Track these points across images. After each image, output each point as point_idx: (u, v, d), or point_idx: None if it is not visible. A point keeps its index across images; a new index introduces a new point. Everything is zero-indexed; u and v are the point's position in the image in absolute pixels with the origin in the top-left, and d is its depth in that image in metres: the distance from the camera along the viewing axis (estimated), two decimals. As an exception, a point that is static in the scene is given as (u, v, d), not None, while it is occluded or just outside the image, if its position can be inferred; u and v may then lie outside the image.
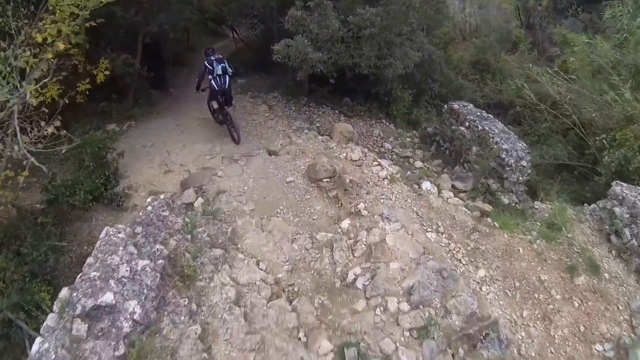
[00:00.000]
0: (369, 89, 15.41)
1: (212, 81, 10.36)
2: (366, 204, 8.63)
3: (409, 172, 10.65)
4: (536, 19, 25.99)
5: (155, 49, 16.17)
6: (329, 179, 9.25)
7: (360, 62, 12.23)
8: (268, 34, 16.56)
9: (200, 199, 9.25)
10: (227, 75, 10.27)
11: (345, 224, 8.30)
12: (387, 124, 15.12)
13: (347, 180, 8.96)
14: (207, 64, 10.35)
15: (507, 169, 11.59)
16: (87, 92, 12.33)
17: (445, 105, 13.94)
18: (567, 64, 17.08)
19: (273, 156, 10.52)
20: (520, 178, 11.97)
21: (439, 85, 17.34)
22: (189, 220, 7.83)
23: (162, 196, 8.44)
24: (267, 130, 12.24)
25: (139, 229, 7.32)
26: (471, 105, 13.72)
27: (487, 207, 10.04)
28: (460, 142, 12.89)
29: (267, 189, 9.40)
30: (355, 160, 10.14)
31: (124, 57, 13.34)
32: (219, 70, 10.19)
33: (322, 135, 12.46)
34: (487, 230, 8.78)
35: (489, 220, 9.25)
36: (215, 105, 11.22)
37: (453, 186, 11.67)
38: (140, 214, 8.01)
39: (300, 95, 15.55)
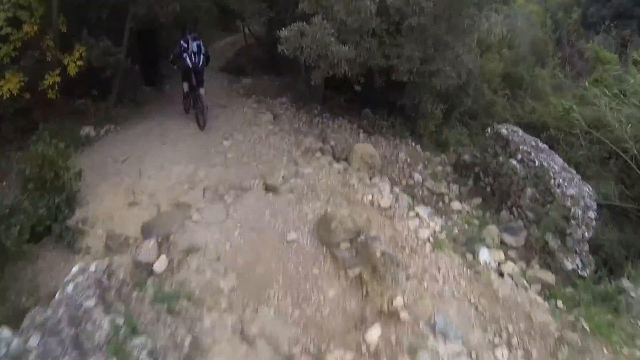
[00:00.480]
0: (394, 100, 11.76)
1: (187, 58, 9.03)
2: (406, 298, 5.05)
3: (455, 230, 7.02)
4: (565, 32, 22.29)
5: (151, 39, 12.53)
6: (349, 244, 5.71)
7: (399, 64, 8.59)
8: (278, 24, 12.80)
9: (163, 258, 5.82)
10: (201, 55, 9.08)
11: (374, 335, 4.71)
12: (413, 144, 11.50)
13: (378, 253, 5.36)
14: (182, 42, 9.10)
15: (572, 222, 8.01)
16: (61, 87, 9.29)
17: (489, 129, 10.27)
18: (598, 83, 14.14)
19: (272, 193, 6.99)
20: (586, 234, 8.37)
21: (472, 100, 13.64)
22: (122, 324, 4.31)
23: (92, 267, 4.93)
24: (269, 150, 8.67)
25: (34, 341, 3.90)
26: (521, 131, 10.07)
27: (550, 279, 6.76)
28: (509, 179, 9.23)
29: (258, 252, 5.89)
30: (385, 209, 6.61)
31: (104, 45, 9.73)
32: (194, 47, 9.01)
33: (338, 160, 8.95)
34: (580, 343, 5.25)
35: (572, 317, 5.74)
36: (186, 87, 9.70)
37: (501, 241, 8.21)
38: (57, 296, 4.55)
39: (313, 103, 11.98)
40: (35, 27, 8.92)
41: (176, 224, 6.44)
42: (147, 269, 5.98)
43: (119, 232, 7.11)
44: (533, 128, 15.25)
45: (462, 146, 12.58)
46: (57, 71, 9.20)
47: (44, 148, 7.52)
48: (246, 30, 17.67)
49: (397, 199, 6.97)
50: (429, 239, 6.20)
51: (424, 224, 6.50)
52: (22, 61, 9.18)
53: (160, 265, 5.87)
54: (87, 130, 9.99)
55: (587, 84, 14.14)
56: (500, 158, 9.50)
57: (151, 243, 6.14)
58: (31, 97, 9.26)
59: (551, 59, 19.30)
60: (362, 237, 5.60)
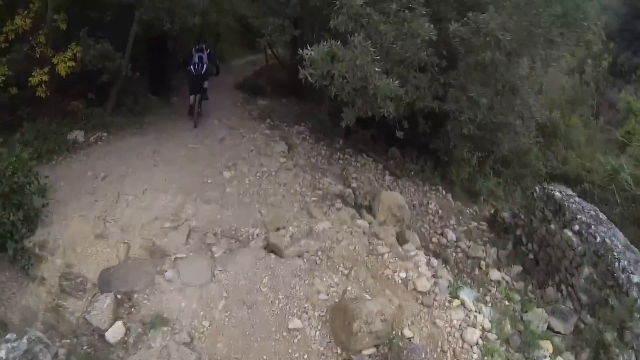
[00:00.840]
0: (426, 141, 10.16)
1: (191, 67, 9.27)
2: None
3: (507, 326, 5.20)
4: (594, 80, 20.83)
5: (161, 47, 11.11)
6: (374, 350, 3.96)
7: (458, 110, 6.93)
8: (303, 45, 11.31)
9: (119, 326, 4.20)
10: (204, 65, 9.24)
11: None
12: (444, 193, 9.85)
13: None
14: (192, 52, 9.36)
15: (636, 315, 6.32)
16: (53, 86, 8.26)
17: (537, 189, 8.63)
18: (631, 135, 13.02)
19: (274, 256, 5.24)
20: (645, 326, 6.70)
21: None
22: None
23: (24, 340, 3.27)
24: (278, 189, 7.00)
25: None
26: (576, 196, 8.39)
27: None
28: (560, 252, 7.54)
29: (248, 338, 4.17)
30: (422, 293, 4.86)
31: (101, 48, 8.33)
32: (196, 58, 9.23)
33: (360, 208, 7.29)
34: None
35: None
36: (191, 100, 9.64)
37: (549, 326, 6.53)
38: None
39: (334, 135, 10.39)
40: (28, 20, 7.66)
41: (144, 280, 4.78)
42: (97, 334, 4.33)
43: (76, 271, 5.68)
44: (566, 180, 13.63)
45: (496, 199, 10.93)
46: (46, 69, 7.93)
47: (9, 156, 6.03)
48: (268, 50, 16.39)
49: (435, 278, 5.21)
50: (477, 343, 4.44)
51: (470, 317, 4.76)
52: (9, 54, 8.00)
53: (114, 334, 4.25)
54: (76, 135, 8.53)
55: (618, 135, 13.22)
56: (552, 226, 7.82)
57: (107, 301, 4.52)
58: (18, 92, 8.13)
59: (583, 107, 17.77)
60: (393, 340, 3.83)
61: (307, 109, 11.80)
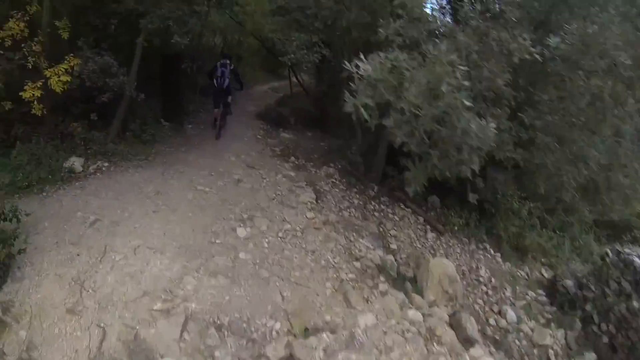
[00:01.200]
0: (474, 190, 8.66)
1: (214, 80, 9.07)
2: None
3: None
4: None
5: (174, 66, 9.81)
6: None
7: (554, 165, 5.35)
8: (333, 70, 9.96)
9: None
10: (225, 78, 8.98)
11: None
12: (492, 251, 8.24)
13: None
14: (217, 65, 9.16)
15: None
16: (51, 103, 7.16)
17: (609, 251, 7.07)
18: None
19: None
20: None
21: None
22: None
23: None
24: (305, 258, 5.44)
25: None
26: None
27: None
28: (646, 337, 5.95)
29: None
30: None
31: (102, 61, 7.06)
32: (219, 72, 9.01)
33: (404, 280, 5.78)
34: None
35: None
36: (214, 113, 9.46)
37: None
38: None
39: (368, 180, 8.94)
40: (22, 24, 6.43)
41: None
42: None
43: (36, 358, 4.07)
44: (613, 227, 11.87)
45: (546, 254, 9.20)
46: (39, 83, 6.63)
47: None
48: (292, 77, 15.17)
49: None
50: None
51: None
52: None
53: None
54: (73, 162, 7.29)
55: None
56: (635, 303, 6.19)
57: None
58: (13, 108, 6.95)
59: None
60: None
61: (335, 145, 10.40)
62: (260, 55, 17.21)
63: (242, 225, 5.81)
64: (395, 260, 6.40)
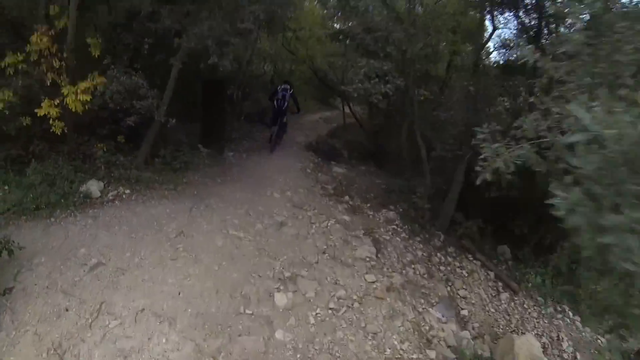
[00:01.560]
0: (552, 240, 6.95)
1: (275, 102, 9.36)
2: None
3: None
4: None
5: (217, 91, 8.82)
6: None
7: None
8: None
9: None
10: (285, 101, 9.30)
11: None
12: (570, 315, 6.37)
13: None
14: (277, 89, 9.54)
15: None
16: (69, 121, 6.30)
17: None
18: None
19: None
20: None
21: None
22: None
23: None
24: (364, 343, 3.82)
25: None
26: None
27: None
28: None
29: None
30: None
31: (129, 82, 5.99)
32: (279, 95, 9.31)
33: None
34: None
35: None
36: (271, 130, 9.63)
37: None
38: None
39: (433, 228, 7.30)
40: (45, 39, 5.58)
41: None
42: None
43: None
44: None
45: (620, 315, 7.06)
46: (56, 101, 5.66)
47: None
48: (346, 108, 13.91)
49: None
50: None
51: None
52: (18, 77, 5.98)
53: None
54: (90, 186, 6.25)
55: None
56: None
57: None
58: (32, 124, 6.17)
59: None
60: None
61: (394, 184, 8.82)
62: (312, 84, 16.12)
63: (281, 288, 4.28)
64: (469, 332, 4.68)
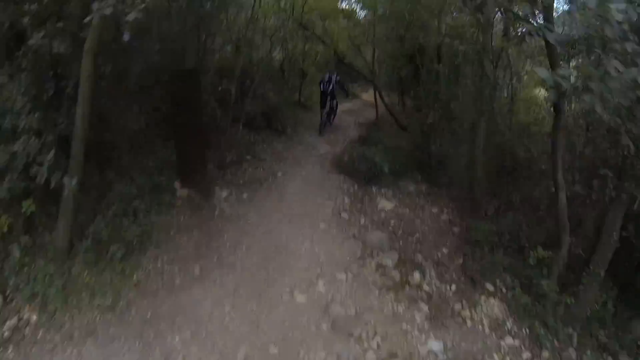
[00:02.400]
0: None
1: (321, 85, 9.63)
2: None
3: None
4: None
5: (192, 89, 5.52)
6: None
7: None
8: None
9: None
10: (331, 83, 9.47)
11: None
12: None
13: None
14: (322, 76, 9.92)
15: None
16: None
17: None
18: None
19: None
20: None
21: None
22: None
23: None
24: None
25: None
26: None
27: None
28: None
29: None
30: None
31: None
32: (326, 78, 9.56)
33: None
34: None
35: None
36: (321, 114, 9.68)
37: None
38: None
39: (562, 325, 4.14)
40: None
41: None
42: None
43: None
44: None
45: None
46: None
47: None
48: (378, 97, 10.65)
49: None
50: None
51: None
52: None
53: None
54: None
55: None
56: None
57: None
58: None
59: None
60: None
61: (471, 226, 5.63)
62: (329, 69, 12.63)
63: None
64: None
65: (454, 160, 7.45)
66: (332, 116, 9.96)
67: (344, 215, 5.56)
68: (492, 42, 6.41)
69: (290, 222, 5.15)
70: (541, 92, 7.97)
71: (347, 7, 10.76)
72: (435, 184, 7.32)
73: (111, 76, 4.41)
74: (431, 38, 8.22)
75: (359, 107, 12.81)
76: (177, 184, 5.55)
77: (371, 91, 11.78)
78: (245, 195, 5.81)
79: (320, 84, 9.67)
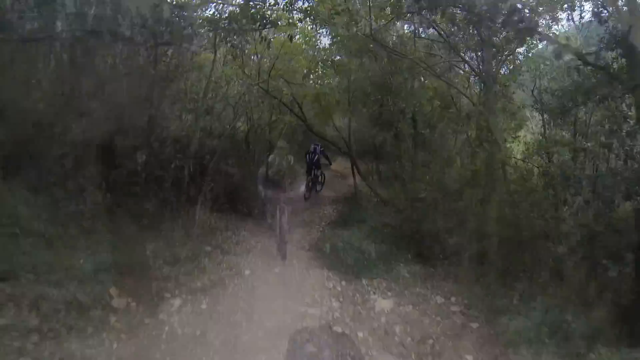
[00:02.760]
0: None
1: (307, 156, 9.64)
2: None
3: None
4: None
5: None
6: None
7: None
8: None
9: None
10: (316, 154, 9.60)
11: None
12: None
13: None
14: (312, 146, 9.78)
15: None
16: None
17: None
18: None
19: None
20: None
21: None
22: None
23: None
24: None
25: None
26: None
27: None
28: None
29: None
30: None
31: None
32: (312, 149, 9.61)
33: None
34: None
35: None
36: (306, 181, 9.33)
37: None
38: None
39: None
40: None
41: None
42: None
43: None
44: None
45: None
46: None
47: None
48: (356, 170, 9.77)
49: None
50: None
51: None
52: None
53: None
54: None
55: None
56: None
57: None
58: None
59: None
60: None
61: (486, 328, 4.49)
62: (296, 140, 11.69)
63: None
64: None
65: (454, 235, 6.41)
66: (318, 185, 10.07)
67: (337, 329, 4.21)
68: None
69: (266, 347, 3.74)
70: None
71: (318, 71, 10.01)
72: (428, 261, 6.27)
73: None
74: (412, 102, 7.55)
75: (329, 178, 11.80)
76: (112, 291, 4.15)
77: (340, 160, 11.38)
78: (204, 305, 4.38)
79: (306, 155, 9.76)
